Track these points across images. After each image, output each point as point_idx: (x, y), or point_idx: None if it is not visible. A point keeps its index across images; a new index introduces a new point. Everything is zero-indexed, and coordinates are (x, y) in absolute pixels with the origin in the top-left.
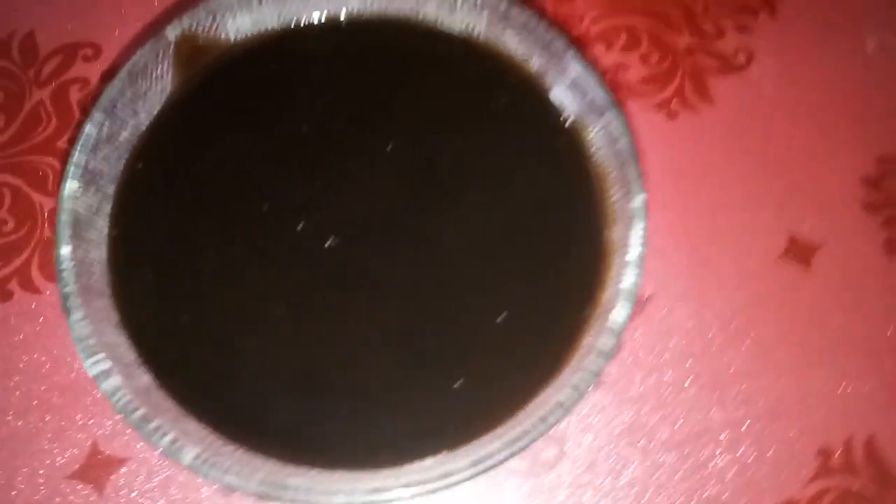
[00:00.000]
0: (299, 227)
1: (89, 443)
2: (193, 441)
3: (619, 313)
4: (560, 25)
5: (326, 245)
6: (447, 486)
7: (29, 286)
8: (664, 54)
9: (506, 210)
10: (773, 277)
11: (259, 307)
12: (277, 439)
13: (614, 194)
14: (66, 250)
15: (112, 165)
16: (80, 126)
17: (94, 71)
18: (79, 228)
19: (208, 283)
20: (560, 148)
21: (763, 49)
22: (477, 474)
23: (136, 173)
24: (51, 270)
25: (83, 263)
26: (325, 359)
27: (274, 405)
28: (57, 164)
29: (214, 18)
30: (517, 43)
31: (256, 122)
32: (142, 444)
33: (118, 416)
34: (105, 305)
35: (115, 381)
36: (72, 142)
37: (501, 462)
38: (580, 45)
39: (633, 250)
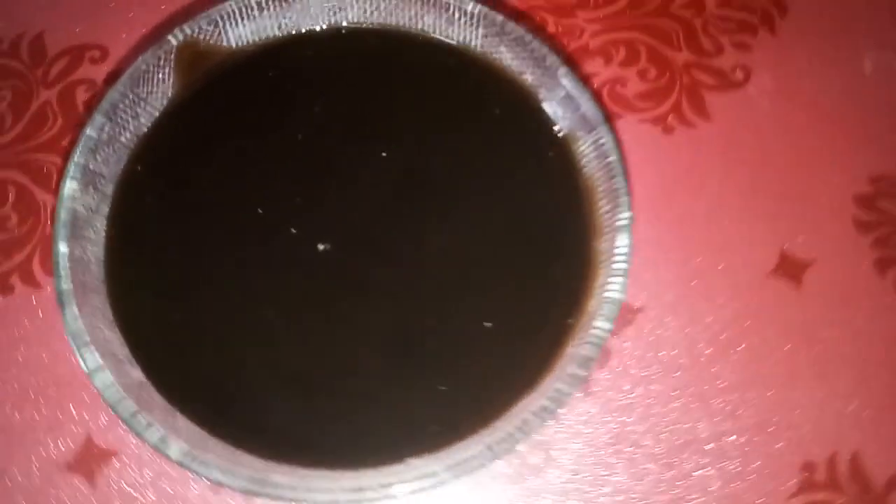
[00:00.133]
0: (293, 231)
1: (83, 436)
2: (181, 437)
3: (602, 323)
4: (560, 38)
5: (319, 249)
6: (428, 488)
7: (30, 281)
8: (662, 70)
9: (496, 218)
10: (764, 292)
11: (250, 308)
12: (263, 437)
13: (603, 206)
14: (63, 247)
15: (111, 167)
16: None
17: (100, 73)
18: (77, 227)
19: (201, 284)
20: (551, 160)
21: (761, 67)
22: (457, 477)
23: (135, 175)
24: (51, 266)
25: (80, 261)
26: (313, 360)
27: (261, 404)
28: (61, 163)
29: (216, 26)
30: (512, 57)
31: (254, 127)
32: (134, 437)
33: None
34: (100, 302)
35: (106, 375)
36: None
37: (481, 466)
38: (579, 57)
39: (619, 262)
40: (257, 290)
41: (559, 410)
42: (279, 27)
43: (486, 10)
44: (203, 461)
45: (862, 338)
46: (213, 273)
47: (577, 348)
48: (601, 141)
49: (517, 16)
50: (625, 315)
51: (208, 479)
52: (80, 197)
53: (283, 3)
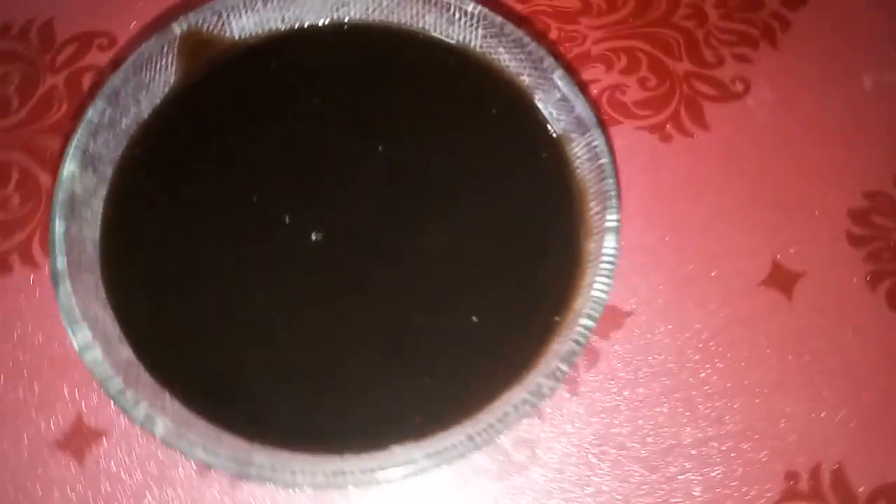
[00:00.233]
0: (287, 220)
1: (74, 415)
2: (168, 416)
3: (586, 321)
4: (562, 44)
5: (312, 239)
6: (410, 475)
7: (29, 260)
8: (662, 79)
9: (488, 216)
10: (756, 301)
11: (241, 293)
12: (248, 420)
13: (593, 207)
14: (59, 226)
15: (111, 150)
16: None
17: (107, 60)
18: (75, 207)
19: (194, 267)
20: (545, 160)
21: (761, 79)
22: (438, 465)
23: (134, 159)
24: None
25: (76, 241)
26: (301, 346)
27: (248, 388)
28: (64, 147)
29: (220, 17)
30: (510, 58)
31: (253, 117)
32: (123, 419)
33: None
34: (93, 282)
35: (96, 352)
36: None
37: (462, 455)
38: (580, 63)
39: (606, 262)
40: (248, 276)
41: (541, 405)
42: (282, 20)
43: (486, 11)
44: (187, 440)
45: (851, 350)
46: (205, 257)
47: (561, 345)
48: (594, 143)
49: (520, 20)
50: (615, 318)
51: (192, 458)
52: (79, 178)
53: None
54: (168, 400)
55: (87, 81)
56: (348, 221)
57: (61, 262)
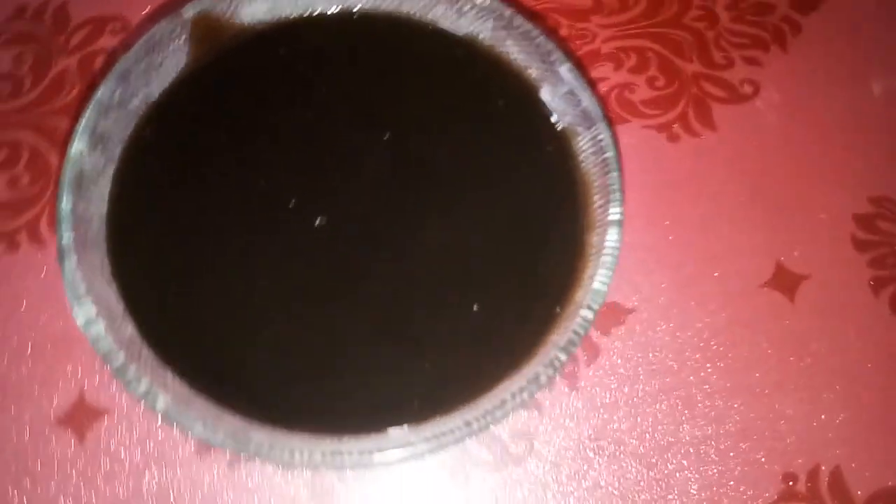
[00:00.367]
0: (291, 205)
1: (76, 393)
2: (168, 392)
3: (586, 312)
4: (572, 41)
5: (316, 224)
6: (406, 458)
7: (36, 239)
8: (671, 79)
9: (492, 207)
10: (757, 302)
11: (245, 275)
12: (248, 400)
13: (597, 201)
14: (67, 202)
15: (120, 130)
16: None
17: (120, 44)
18: (82, 184)
19: (199, 248)
20: (550, 153)
21: (770, 82)
22: (434, 450)
23: (143, 139)
24: None
25: (82, 218)
26: (302, 328)
27: (249, 368)
28: None
29: (231, 2)
30: (518, 51)
31: (262, 102)
32: (125, 398)
33: (105, 370)
34: (99, 259)
35: (99, 327)
36: None
37: (458, 441)
38: (589, 61)
39: (607, 255)
40: (252, 258)
41: (539, 394)
42: (292, 7)
43: (496, 3)
44: (187, 415)
45: (852, 354)
46: (210, 238)
47: (559, 336)
48: (599, 137)
49: (530, 16)
50: (616, 315)
51: (191, 434)
52: (88, 156)
53: None
54: (169, 377)
55: (99, 64)
56: (352, 208)
57: (67, 237)
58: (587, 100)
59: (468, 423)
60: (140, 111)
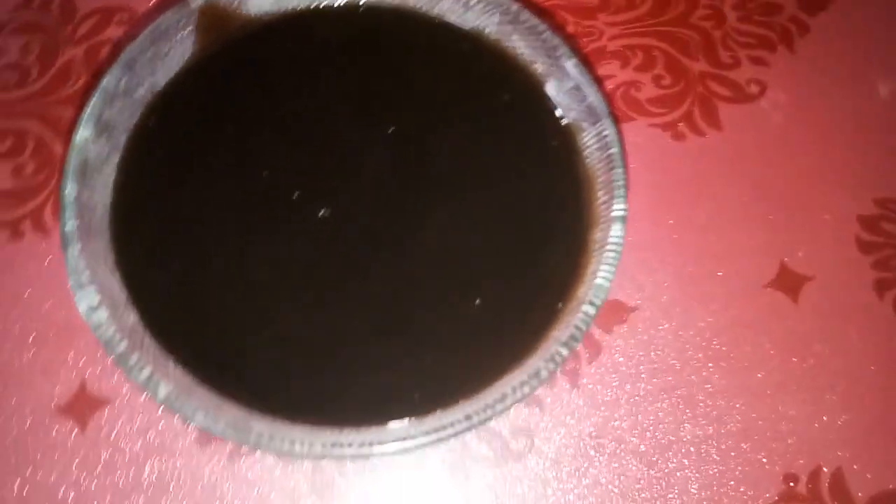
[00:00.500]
0: (295, 196)
1: (78, 383)
2: (169, 380)
3: (588, 308)
4: (579, 38)
5: (319, 215)
6: (407, 450)
7: (40, 228)
8: (677, 78)
9: (496, 201)
10: (761, 302)
11: (248, 266)
12: (249, 390)
13: (601, 197)
14: (71, 189)
15: (125, 118)
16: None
17: (126, 34)
18: (87, 172)
19: (202, 238)
20: (555, 148)
21: (776, 82)
22: (434, 443)
23: (148, 128)
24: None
25: (86, 206)
26: (304, 320)
27: (251, 359)
28: None
29: None
30: (524, 46)
31: (268, 93)
32: (126, 388)
33: (108, 359)
34: (102, 247)
35: (101, 314)
36: None
37: (458, 434)
38: (596, 58)
39: (610, 251)
40: (256, 249)
41: (539, 388)
42: None
43: None
44: (187, 404)
45: (855, 356)
46: (214, 228)
47: (561, 331)
48: (604, 133)
49: (538, 12)
50: (619, 313)
51: (192, 422)
52: (93, 144)
53: None
54: (171, 367)
55: (105, 55)
56: (356, 200)
57: (71, 224)
58: (593, 95)
59: (468, 417)
60: (145, 100)
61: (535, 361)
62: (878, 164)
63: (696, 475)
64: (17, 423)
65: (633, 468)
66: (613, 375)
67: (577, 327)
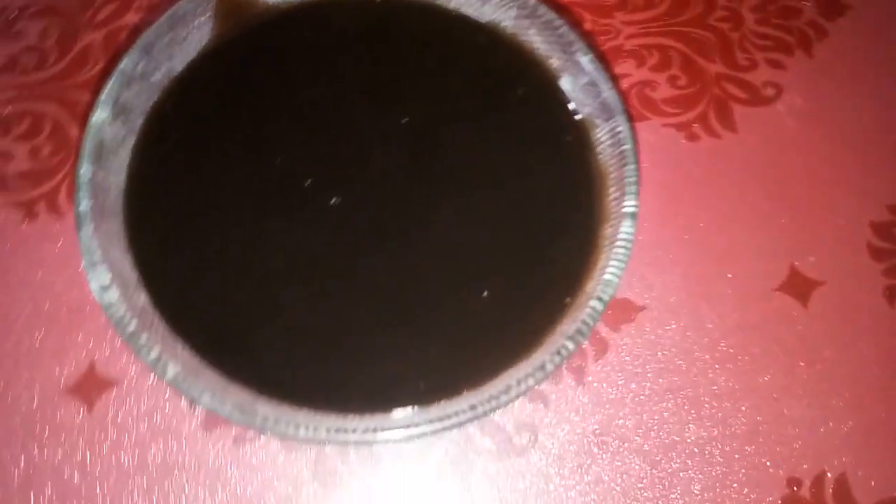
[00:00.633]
0: (307, 184)
1: (87, 363)
2: (177, 361)
3: (595, 303)
4: (595, 36)
5: (331, 203)
6: (411, 437)
7: (54, 209)
8: (693, 79)
9: (508, 194)
10: (770, 305)
11: (259, 251)
12: (256, 374)
13: (613, 193)
14: (86, 169)
15: (142, 102)
16: None
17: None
18: (102, 154)
19: (214, 222)
20: (568, 143)
21: (793, 86)
22: (438, 431)
23: (164, 112)
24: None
25: (101, 187)
26: (313, 306)
27: (259, 343)
28: None
29: None
30: (540, 40)
31: (283, 81)
32: (134, 371)
33: (116, 341)
34: (116, 229)
35: (112, 294)
36: None
37: (462, 423)
38: (612, 57)
39: (620, 247)
40: (267, 236)
41: (544, 382)
42: None
43: None
44: (195, 385)
45: (864, 362)
46: (226, 213)
47: (568, 325)
48: (618, 129)
49: (555, 8)
50: (627, 312)
51: (199, 403)
52: (109, 126)
53: None
54: (179, 348)
55: (123, 40)
56: (368, 189)
57: (85, 204)
58: (607, 91)
59: (473, 407)
60: (162, 84)
61: (541, 355)
62: (892, 170)
63: (700, 476)
64: (26, 401)
65: (636, 467)
66: (619, 374)
67: (584, 322)
